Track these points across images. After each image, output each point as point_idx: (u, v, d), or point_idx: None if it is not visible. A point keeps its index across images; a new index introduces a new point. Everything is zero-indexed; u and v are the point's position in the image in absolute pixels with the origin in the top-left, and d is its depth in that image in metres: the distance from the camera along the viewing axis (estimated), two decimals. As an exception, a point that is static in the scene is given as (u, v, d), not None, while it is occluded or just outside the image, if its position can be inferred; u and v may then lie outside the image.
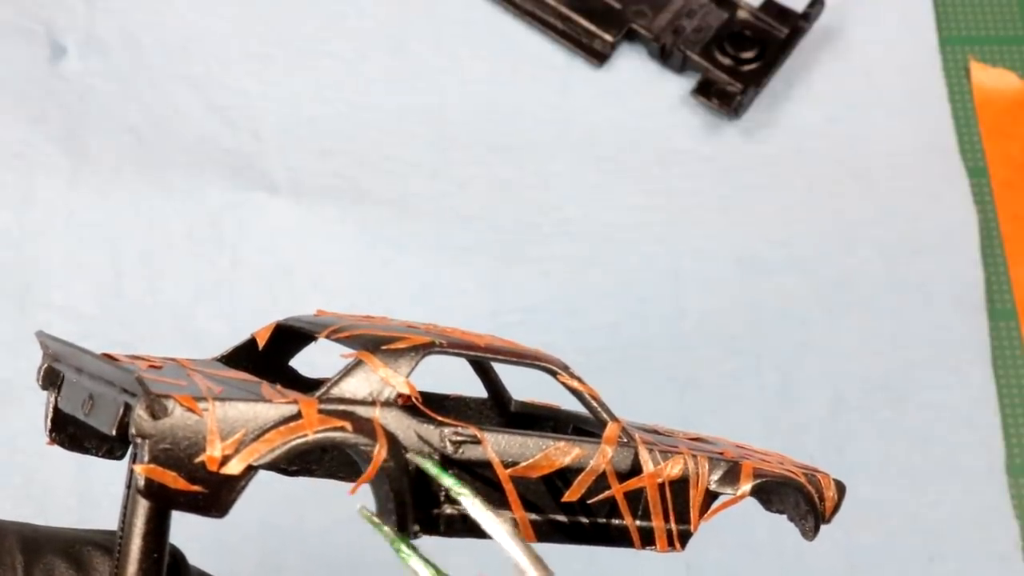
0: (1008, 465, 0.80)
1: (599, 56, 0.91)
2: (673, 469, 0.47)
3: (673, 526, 0.47)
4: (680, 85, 0.90)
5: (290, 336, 0.48)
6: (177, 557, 0.45)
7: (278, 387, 0.42)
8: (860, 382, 0.82)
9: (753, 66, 0.89)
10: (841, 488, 0.51)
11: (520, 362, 0.47)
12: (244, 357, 0.48)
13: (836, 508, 0.51)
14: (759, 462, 0.49)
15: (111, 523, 0.44)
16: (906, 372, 0.82)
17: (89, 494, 0.75)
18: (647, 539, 0.47)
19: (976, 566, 0.77)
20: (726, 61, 0.89)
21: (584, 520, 0.46)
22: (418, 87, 0.89)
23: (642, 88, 0.90)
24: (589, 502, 0.46)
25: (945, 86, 0.91)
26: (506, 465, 0.44)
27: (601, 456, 0.46)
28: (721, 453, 0.49)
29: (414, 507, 0.42)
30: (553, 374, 0.47)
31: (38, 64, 0.87)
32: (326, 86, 0.89)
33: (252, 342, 0.48)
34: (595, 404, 0.47)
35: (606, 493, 0.46)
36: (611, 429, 0.46)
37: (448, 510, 0.43)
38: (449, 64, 0.90)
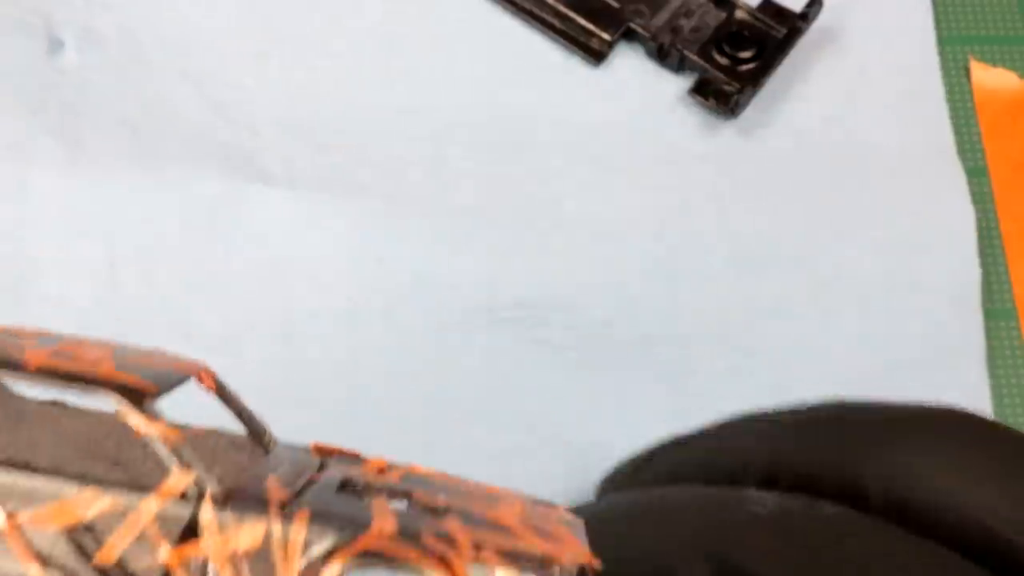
0: (1005, 465, 0.79)
1: (597, 55, 0.90)
2: (245, 536, 0.35)
3: None
4: (678, 84, 0.90)
5: None
6: None
7: None
8: (856, 381, 0.81)
9: (751, 66, 0.89)
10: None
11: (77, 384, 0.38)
12: None
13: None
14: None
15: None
16: (903, 372, 0.82)
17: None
18: None
19: (972, 566, 0.77)
20: (724, 61, 0.89)
21: None
22: (415, 83, 0.89)
23: (639, 87, 0.90)
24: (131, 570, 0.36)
25: (944, 86, 0.91)
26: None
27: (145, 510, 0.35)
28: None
29: None
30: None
31: (35, 57, 0.88)
32: (323, 82, 0.89)
33: None
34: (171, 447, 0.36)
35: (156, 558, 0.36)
36: (177, 475, 0.36)
37: None
38: (446, 61, 0.90)
